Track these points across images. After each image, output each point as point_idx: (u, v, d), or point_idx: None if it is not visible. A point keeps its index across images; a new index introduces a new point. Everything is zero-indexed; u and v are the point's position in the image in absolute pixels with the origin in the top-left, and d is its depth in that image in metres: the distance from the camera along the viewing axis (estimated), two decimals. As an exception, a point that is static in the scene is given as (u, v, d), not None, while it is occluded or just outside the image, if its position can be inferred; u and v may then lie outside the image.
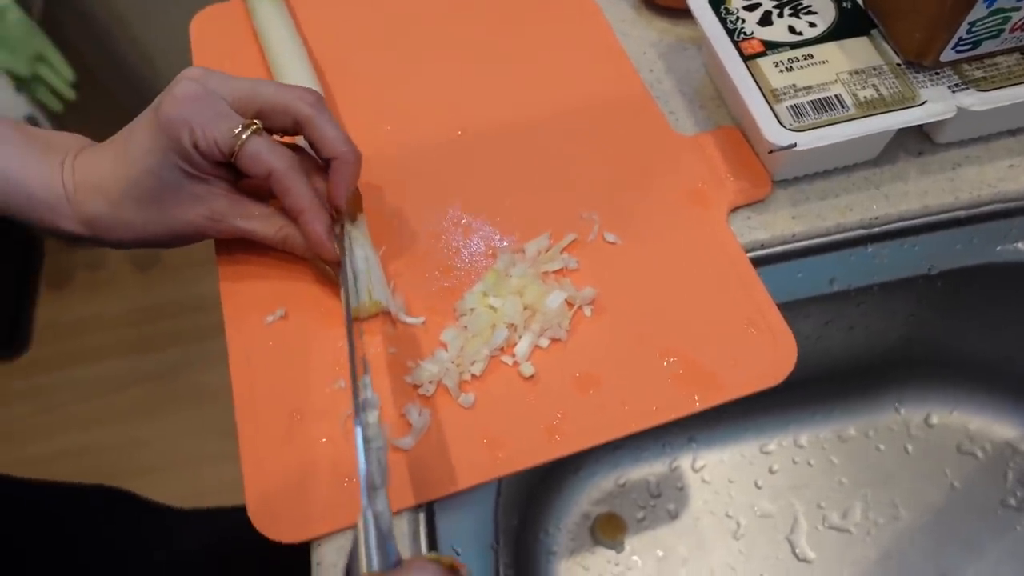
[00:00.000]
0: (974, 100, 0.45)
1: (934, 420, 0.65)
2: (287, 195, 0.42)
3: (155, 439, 1.34)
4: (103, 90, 1.38)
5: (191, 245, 0.46)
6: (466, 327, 0.44)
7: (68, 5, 1.34)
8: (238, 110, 0.42)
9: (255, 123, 0.42)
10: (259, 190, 0.45)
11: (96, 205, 0.42)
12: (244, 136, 0.41)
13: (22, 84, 1.16)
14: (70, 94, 1.24)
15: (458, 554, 0.43)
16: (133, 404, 1.39)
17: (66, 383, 1.43)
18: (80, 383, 1.43)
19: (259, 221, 0.44)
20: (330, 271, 0.45)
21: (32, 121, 1.16)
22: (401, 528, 0.40)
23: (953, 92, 0.45)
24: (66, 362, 1.46)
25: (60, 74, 1.22)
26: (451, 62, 0.56)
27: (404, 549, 0.40)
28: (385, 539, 0.32)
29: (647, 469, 0.65)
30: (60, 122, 1.23)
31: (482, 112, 0.53)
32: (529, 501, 0.60)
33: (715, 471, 0.64)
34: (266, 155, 0.41)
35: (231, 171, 0.44)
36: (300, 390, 0.43)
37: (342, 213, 0.44)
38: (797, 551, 0.61)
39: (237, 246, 0.47)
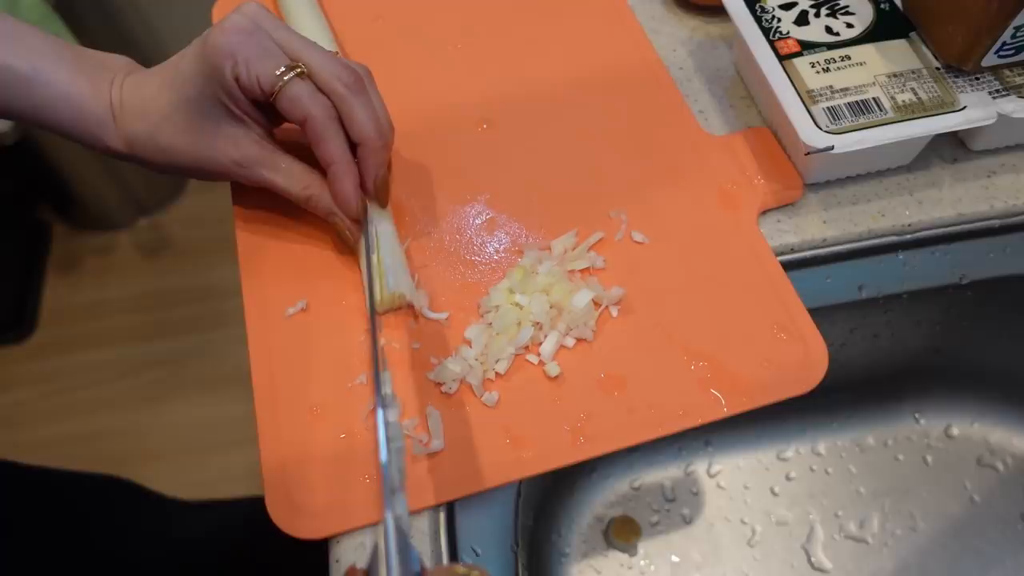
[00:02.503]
0: (1015, 107, 0.44)
1: (954, 431, 0.64)
2: (320, 144, 0.42)
3: (162, 426, 1.34)
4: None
5: (203, 233, 0.45)
6: (491, 324, 0.43)
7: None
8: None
9: (300, 67, 0.41)
10: (295, 144, 0.44)
11: (137, 126, 0.42)
12: (287, 78, 0.40)
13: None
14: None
15: (478, 555, 0.43)
16: (141, 390, 1.38)
17: (74, 368, 1.43)
18: (89, 368, 1.43)
19: (286, 175, 0.44)
20: (351, 239, 0.44)
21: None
22: (421, 527, 0.39)
23: (994, 98, 0.44)
24: (74, 347, 1.45)
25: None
26: (478, 55, 0.55)
27: (424, 548, 0.39)
28: (407, 546, 0.30)
29: (662, 473, 0.64)
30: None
31: (509, 106, 0.52)
32: (543, 502, 0.60)
33: (731, 477, 0.64)
34: (307, 100, 0.41)
35: (269, 117, 0.44)
36: (320, 385, 0.42)
37: (369, 197, 0.44)
38: (813, 560, 0.60)
39: (258, 232, 0.47)
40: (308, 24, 0.53)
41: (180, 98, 0.42)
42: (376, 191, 0.44)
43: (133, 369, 1.42)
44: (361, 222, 0.44)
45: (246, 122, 0.43)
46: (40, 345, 1.46)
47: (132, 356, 1.44)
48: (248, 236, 0.47)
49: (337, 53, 0.48)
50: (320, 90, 0.42)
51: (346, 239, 0.45)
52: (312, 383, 0.42)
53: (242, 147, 0.43)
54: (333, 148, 0.42)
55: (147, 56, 1.57)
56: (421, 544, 0.39)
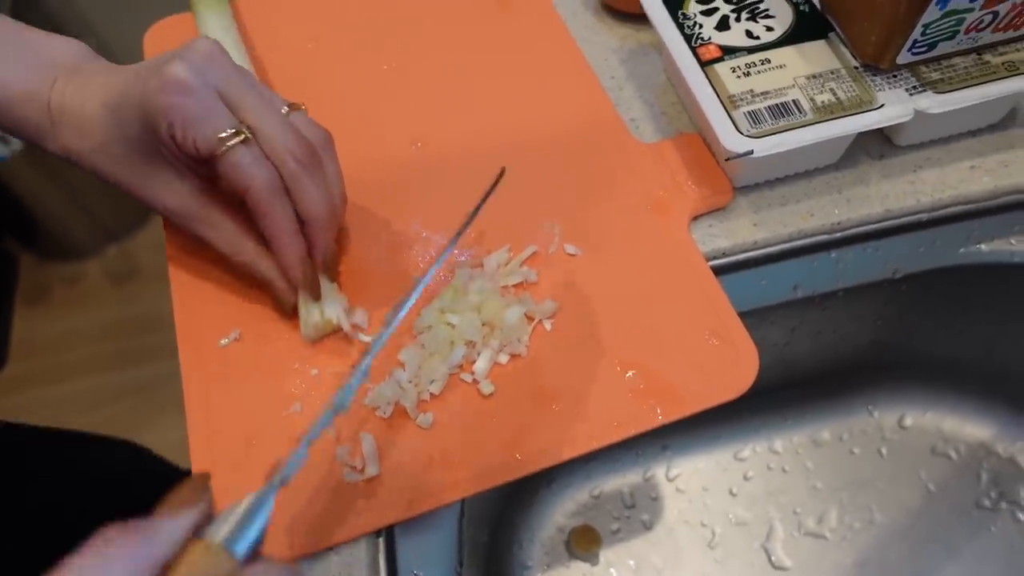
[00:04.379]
0: (931, 103, 0.44)
1: (907, 422, 0.64)
2: (262, 219, 0.39)
3: (136, 455, 1.32)
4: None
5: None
6: (423, 345, 0.43)
7: (35, 9, 1.32)
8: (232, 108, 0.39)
9: (244, 132, 0.38)
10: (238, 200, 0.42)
11: (73, 143, 0.41)
12: (229, 143, 0.37)
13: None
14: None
15: (420, 578, 0.42)
16: (116, 419, 1.37)
17: (49, 400, 1.42)
18: (59, 400, 1.41)
19: (221, 235, 0.42)
20: (287, 303, 0.43)
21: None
22: (359, 556, 0.39)
23: (911, 95, 0.45)
24: (44, 379, 1.44)
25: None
26: (407, 74, 0.55)
27: (361, 574, 0.39)
28: (259, 524, 0.27)
29: (621, 479, 0.64)
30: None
31: (440, 124, 0.52)
32: (501, 515, 0.60)
33: (690, 480, 0.64)
34: (249, 169, 0.38)
35: (211, 169, 0.40)
36: (255, 415, 0.42)
37: (318, 270, 0.42)
38: (773, 559, 0.60)
39: (190, 263, 0.47)
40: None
41: (119, 132, 0.39)
42: (325, 266, 0.42)
43: (107, 398, 1.40)
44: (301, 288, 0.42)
45: (184, 174, 0.41)
46: (12, 378, 1.45)
47: (105, 385, 1.42)
48: (180, 267, 0.47)
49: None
50: (267, 157, 0.39)
51: (281, 304, 0.43)
52: (247, 415, 0.42)
53: (178, 197, 0.41)
54: (277, 223, 0.39)
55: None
56: (358, 572, 0.39)
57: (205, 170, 0.40)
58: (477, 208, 0.43)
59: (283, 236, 0.40)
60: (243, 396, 0.43)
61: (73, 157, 0.42)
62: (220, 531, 0.26)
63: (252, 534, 0.26)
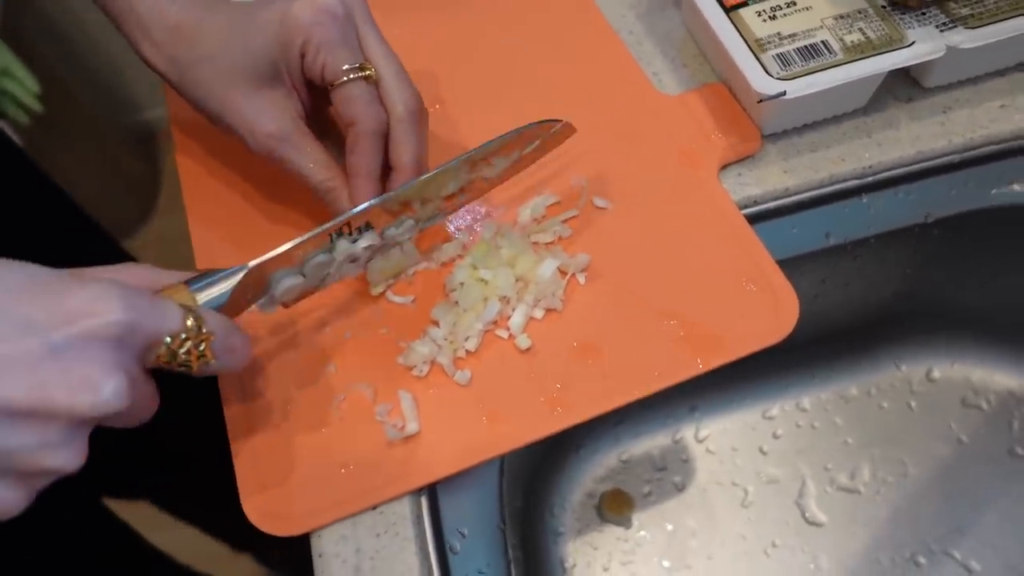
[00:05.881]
0: (963, 37, 0.43)
1: (936, 374, 0.64)
2: (355, 152, 0.40)
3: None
4: (71, 100, 1.35)
5: (176, 253, 0.44)
6: (457, 302, 0.42)
7: (30, 15, 1.31)
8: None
9: (370, 70, 0.40)
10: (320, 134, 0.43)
11: (181, 51, 0.40)
12: (351, 76, 0.39)
13: (-14, 99, 1.13)
14: (37, 106, 1.20)
15: (464, 536, 0.42)
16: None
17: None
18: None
19: (312, 161, 0.41)
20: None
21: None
22: (403, 513, 0.39)
23: (941, 31, 0.44)
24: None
25: (25, 86, 1.18)
26: (429, 35, 0.54)
27: (407, 533, 0.38)
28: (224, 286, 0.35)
29: (650, 442, 0.63)
30: (29, 135, 1.20)
31: (460, 85, 0.52)
32: (532, 482, 0.59)
33: (719, 440, 0.63)
34: (362, 105, 0.39)
35: (314, 99, 0.42)
36: (290, 378, 0.41)
37: None
38: (807, 515, 0.60)
39: (217, 244, 0.46)
40: None
41: (241, 44, 0.40)
42: None
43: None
44: None
45: (289, 97, 0.41)
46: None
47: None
48: (207, 246, 0.46)
49: None
50: (380, 100, 0.41)
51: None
52: (282, 376, 0.41)
53: (277, 119, 0.41)
54: (368, 163, 0.40)
55: (99, 78, 1.55)
56: (403, 528, 0.38)
57: (313, 96, 0.42)
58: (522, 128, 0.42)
59: (366, 175, 0.41)
60: (277, 360, 0.42)
61: (170, 71, 0.41)
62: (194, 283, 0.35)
63: (216, 290, 0.35)
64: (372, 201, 0.39)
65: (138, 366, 0.30)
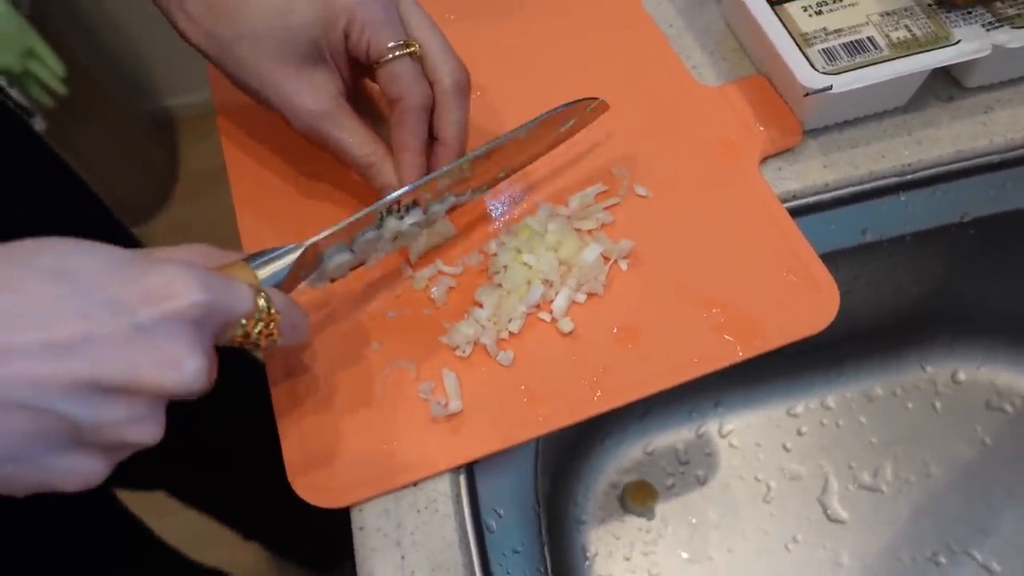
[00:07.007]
0: (1009, 37, 0.44)
1: (961, 377, 0.64)
2: (404, 128, 0.40)
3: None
4: (94, 84, 1.35)
5: (192, 240, 0.43)
6: (500, 284, 0.43)
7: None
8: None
9: (415, 46, 0.40)
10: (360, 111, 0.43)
11: (221, 28, 0.40)
12: (397, 53, 0.39)
13: (13, 80, 1.13)
14: (61, 89, 1.21)
15: (501, 516, 0.42)
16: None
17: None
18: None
19: (354, 137, 0.42)
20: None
21: (28, 115, 1.14)
22: (443, 490, 0.39)
23: (987, 30, 0.44)
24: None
25: (51, 69, 1.19)
26: (470, 25, 0.55)
27: (446, 510, 0.39)
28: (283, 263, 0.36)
29: (674, 436, 0.64)
30: (51, 118, 1.21)
31: (501, 73, 0.52)
32: (558, 470, 0.59)
33: (743, 435, 0.64)
34: (409, 81, 0.40)
35: (355, 74, 0.43)
36: (335, 353, 0.42)
37: None
38: (829, 512, 0.60)
39: (264, 227, 0.46)
40: None
41: (283, 22, 0.39)
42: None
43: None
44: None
45: (331, 75, 0.41)
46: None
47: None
48: (249, 221, 0.46)
49: None
50: (425, 75, 0.41)
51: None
52: (326, 352, 0.42)
53: (319, 97, 0.41)
54: (414, 137, 0.41)
55: (121, 62, 1.55)
56: (442, 505, 0.39)
57: (356, 74, 0.42)
58: (558, 109, 0.43)
59: (413, 149, 0.41)
60: (322, 337, 0.42)
61: (209, 47, 0.41)
62: (253, 261, 0.35)
63: (275, 268, 0.36)
64: (425, 177, 0.40)
65: (212, 345, 0.31)
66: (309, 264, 0.38)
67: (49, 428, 0.26)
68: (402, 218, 0.40)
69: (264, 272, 0.35)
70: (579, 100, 0.43)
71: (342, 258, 0.39)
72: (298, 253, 0.36)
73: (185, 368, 0.28)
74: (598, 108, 0.44)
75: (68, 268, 0.27)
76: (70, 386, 0.26)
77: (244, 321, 0.32)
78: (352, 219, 0.38)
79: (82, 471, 0.28)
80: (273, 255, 0.36)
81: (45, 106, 1.21)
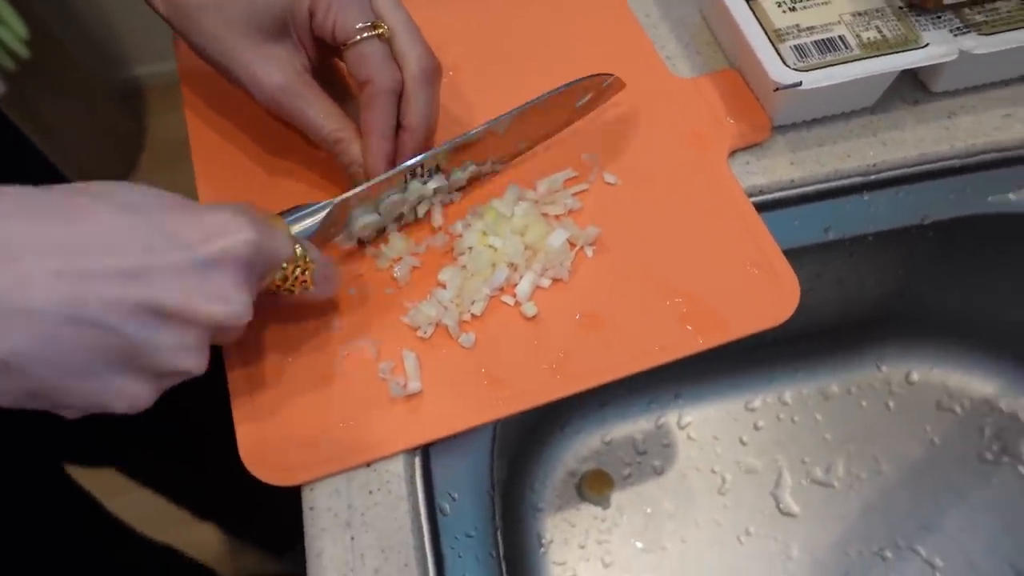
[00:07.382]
0: (975, 43, 0.44)
1: (915, 377, 0.65)
2: (372, 110, 0.40)
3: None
4: (60, 49, 1.31)
5: None
6: (465, 266, 0.42)
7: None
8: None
9: (383, 28, 0.40)
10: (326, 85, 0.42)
11: None
12: (364, 35, 0.39)
13: (-26, 43, 1.10)
14: (23, 51, 1.18)
15: (455, 500, 0.42)
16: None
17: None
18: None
19: (321, 113, 0.41)
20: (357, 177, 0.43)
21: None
22: (397, 471, 0.39)
23: (955, 35, 0.45)
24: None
25: (12, 30, 1.15)
26: (441, 6, 0.54)
27: (400, 492, 0.38)
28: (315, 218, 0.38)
29: (633, 426, 0.64)
30: (13, 81, 1.17)
31: (475, 55, 0.52)
32: (516, 456, 0.59)
33: (701, 428, 0.64)
34: (377, 63, 0.39)
35: (323, 53, 0.42)
36: (293, 328, 0.41)
37: None
38: (781, 505, 0.61)
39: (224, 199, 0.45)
40: None
41: None
42: None
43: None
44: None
45: (296, 52, 0.41)
46: None
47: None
48: (209, 195, 0.46)
49: None
50: (394, 58, 0.40)
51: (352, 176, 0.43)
52: (283, 329, 0.41)
53: (284, 73, 0.40)
54: (382, 120, 0.40)
55: (86, 25, 1.51)
56: (396, 488, 0.38)
57: (324, 53, 0.42)
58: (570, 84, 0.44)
59: (381, 133, 0.41)
60: (279, 310, 0.42)
61: (176, 18, 0.40)
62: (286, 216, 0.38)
63: (307, 223, 0.38)
64: (444, 145, 0.42)
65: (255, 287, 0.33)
66: (337, 223, 0.40)
67: (112, 347, 0.28)
68: (425, 183, 0.42)
69: (296, 227, 0.38)
70: (595, 75, 0.44)
71: (369, 218, 0.41)
72: (327, 211, 0.39)
73: (233, 302, 0.31)
74: (614, 84, 0.46)
75: (136, 205, 0.30)
76: (134, 308, 0.28)
77: (285, 265, 0.34)
78: (377, 179, 0.40)
79: (132, 393, 0.30)
80: (305, 211, 0.38)
81: (7, 68, 1.17)
